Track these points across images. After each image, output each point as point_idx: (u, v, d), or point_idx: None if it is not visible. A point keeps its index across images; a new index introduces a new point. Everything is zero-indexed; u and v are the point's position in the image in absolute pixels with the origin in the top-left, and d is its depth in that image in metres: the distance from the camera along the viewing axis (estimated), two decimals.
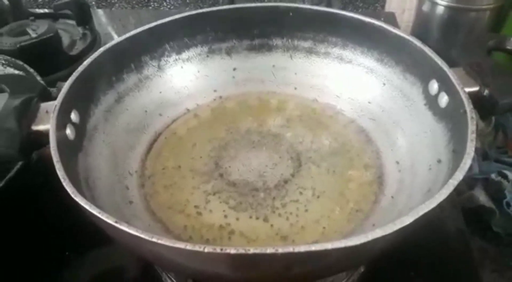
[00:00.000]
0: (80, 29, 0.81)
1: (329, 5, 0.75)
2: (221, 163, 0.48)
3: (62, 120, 0.40)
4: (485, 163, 0.69)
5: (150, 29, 0.51)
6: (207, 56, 0.56)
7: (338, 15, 0.52)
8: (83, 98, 0.45)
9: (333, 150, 0.49)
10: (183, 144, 0.50)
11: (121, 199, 0.43)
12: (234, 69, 0.57)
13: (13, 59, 0.62)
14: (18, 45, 0.68)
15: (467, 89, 0.41)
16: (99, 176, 0.42)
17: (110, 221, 0.30)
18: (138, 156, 0.48)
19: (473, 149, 0.35)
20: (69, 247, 0.48)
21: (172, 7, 0.93)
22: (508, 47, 0.46)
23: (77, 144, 0.42)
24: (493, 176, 0.64)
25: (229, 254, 0.28)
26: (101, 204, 0.39)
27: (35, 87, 0.42)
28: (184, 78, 0.55)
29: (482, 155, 0.70)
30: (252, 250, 0.27)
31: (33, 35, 0.71)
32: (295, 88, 0.56)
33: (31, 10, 0.85)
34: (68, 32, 0.80)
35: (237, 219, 0.42)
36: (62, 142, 0.39)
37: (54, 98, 0.42)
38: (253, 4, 0.55)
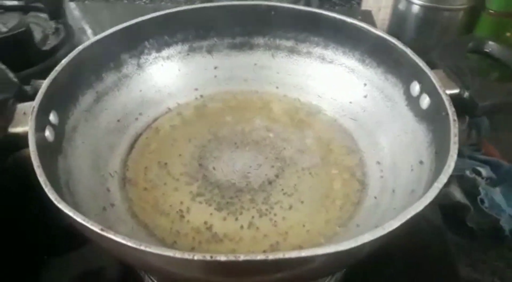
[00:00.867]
0: (52, 23, 0.78)
1: (307, 3, 0.75)
2: (204, 164, 0.47)
3: (41, 122, 0.39)
4: (460, 160, 0.70)
5: (129, 26, 0.50)
6: (188, 54, 0.55)
7: (320, 15, 0.52)
8: (62, 98, 0.43)
9: (316, 150, 0.49)
10: (165, 144, 0.50)
11: (103, 201, 0.42)
12: (216, 67, 0.56)
13: None
14: None
15: (448, 91, 0.42)
16: (79, 179, 0.41)
17: (95, 228, 0.29)
18: (118, 157, 0.47)
19: (456, 151, 0.36)
20: (47, 250, 0.46)
21: (148, 2, 0.91)
22: (486, 50, 0.48)
23: (57, 146, 0.41)
24: (467, 172, 0.66)
25: (219, 262, 0.27)
26: (83, 209, 0.38)
27: (10, 87, 0.41)
28: (164, 77, 0.54)
29: (458, 151, 0.71)
30: (242, 257, 0.27)
31: (3, 29, 0.69)
32: (277, 88, 0.56)
33: (0, 2, 0.81)
34: (40, 26, 0.77)
35: (222, 221, 0.42)
36: (42, 144, 0.37)
37: (30, 97, 0.40)
38: (234, 2, 0.54)
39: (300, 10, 0.53)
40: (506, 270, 0.55)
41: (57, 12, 0.77)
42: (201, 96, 0.55)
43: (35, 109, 0.38)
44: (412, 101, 0.46)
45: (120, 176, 0.45)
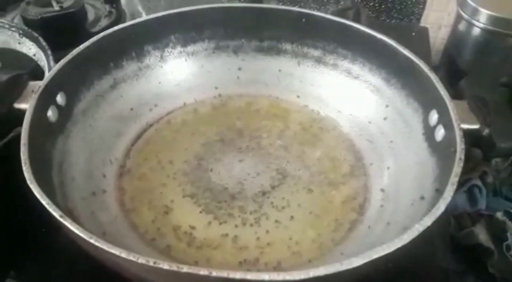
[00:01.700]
0: (107, 7, 0.81)
1: (357, 13, 0.72)
2: (204, 164, 0.47)
3: (45, 101, 0.40)
4: (494, 199, 0.65)
5: (157, 18, 0.51)
6: (213, 52, 0.55)
7: (351, 28, 0.50)
8: (75, 81, 0.45)
9: (321, 168, 0.47)
10: (172, 139, 0.50)
11: (94, 186, 0.42)
12: (239, 68, 0.55)
13: (29, 30, 0.63)
14: (39, 16, 0.69)
15: (466, 126, 0.38)
16: (76, 161, 0.42)
17: (56, 214, 0.30)
18: (123, 145, 0.48)
19: (452, 193, 0.33)
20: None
21: None
22: None
23: (59, 126, 0.42)
24: (499, 214, 0.61)
25: (162, 269, 0.27)
26: (70, 190, 0.39)
27: (28, 64, 0.42)
28: (186, 72, 0.54)
29: (493, 190, 0.66)
30: (185, 269, 0.27)
31: (57, 8, 0.72)
32: (298, 96, 0.54)
33: None
34: (94, 8, 0.81)
35: (205, 225, 0.41)
36: (41, 122, 0.39)
37: None
38: (266, 5, 0.53)
39: (331, 20, 0.51)
40: None
41: None
42: (220, 95, 0.54)
43: (41, 88, 0.39)
44: (428, 131, 0.43)
45: (119, 164, 0.46)
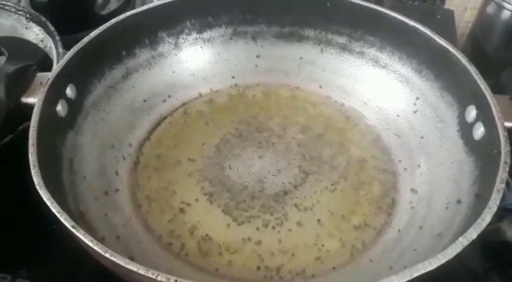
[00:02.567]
0: None
1: None
2: (222, 160, 0.44)
3: (54, 94, 0.37)
4: None
5: (172, 2, 0.47)
6: (231, 38, 0.51)
7: (380, 13, 0.46)
8: (85, 72, 0.42)
9: (347, 165, 0.44)
10: (188, 132, 0.47)
11: (107, 185, 0.40)
12: (258, 56, 0.52)
13: (37, 14, 0.60)
14: None
15: (508, 124, 0.35)
16: (87, 158, 0.40)
17: (67, 224, 0.27)
18: (136, 139, 0.45)
19: (498, 202, 0.30)
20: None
21: None
22: None
23: (69, 121, 0.39)
24: None
25: None
26: (81, 191, 0.37)
27: (35, 54, 0.40)
28: (201, 60, 0.51)
29: None
30: None
31: None
32: (320, 86, 0.51)
33: None
34: None
35: (224, 227, 0.39)
36: (50, 118, 0.36)
37: None
38: None
39: (358, 5, 0.47)
40: None
41: None
42: (237, 85, 0.51)
43: (49, 81, 0.37)
44: (465, 128, 0.39)
45: (132, 160, 0.44)
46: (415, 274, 0.26)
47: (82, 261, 0.40)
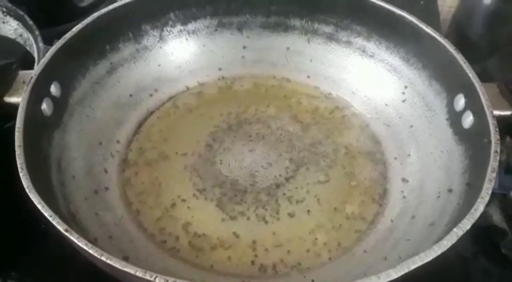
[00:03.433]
0: None
1: None
2: (213, 155, 0.44)
3: (38, 94, 0.36)
4: (507, 177, 0.63)
5: None
6: (216, 29, 0.51)
7: (366, 2, 0.46)
8: (68, 68, 0.41)
9: (337, 156, 0.44)
10: (177, 126, 0.46)
11: (96, 183, 0.39)
12: (244, 47, 0.51)
13: (14, 7, 0.58)
14: None
15: (497, 112, 0.36)
16: (75, 157, 0.39)
17: (61, 228, 0.27)
18: (124, 135, 0.45)
19: (489, 191, 0.30)
20: None
21: None
22: None
23: (55, 119, 0.38)
24: None
25: None
26: (71, 191, 0.36)
27: (16, 51, 0.38)
28: (187, 52, 0.50)
29: (505, 168, 0.64)
30: None
31: None
32: (308, 77, 0.51)
33: None
34: None
35: (218, 222, 0.39)
36: (35, 118, 0.35)
37: None
38: None
39: None
40: None
41: None
42: (224, 77, 0.51)
43: (33, 80, 0.36)
44: (454, 117, 0.40)
45: (121, 157, 0.43)
46: (412, 267, 0.26)
47: (73, 260, 0.39)
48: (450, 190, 0.36)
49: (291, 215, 0.39)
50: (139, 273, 0.25)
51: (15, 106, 0.36)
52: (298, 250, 0.37)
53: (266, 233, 0.38)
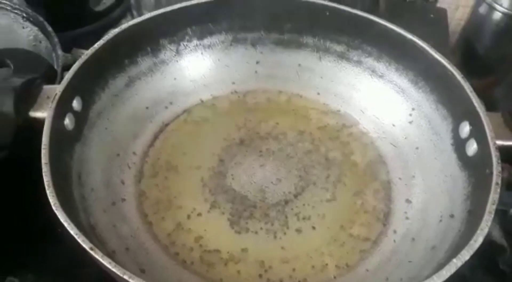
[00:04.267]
0: None
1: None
2: (225, 170, 0.45)
3: (62, 109, 0.38)
4: (508, 194, 0.65)
5: (172, 11, 0.48)
6: (231, 45, 0.52)
7: (378, 24, 0.47)
8: (90, 83, 0.42)
9: (344, 174, 0.46)
10: (190, 139, 0.48)
11: (113, 195, 0.41)
12: (257, 62, 0.53)
13: (34, 13, 0.60)
14: None
15: (500, 142, 0.37)
16: (94, 169, 0.41)
17: (85, 245, 0.29)
18: (140, 147, 0.46)
19: (489, 223, 0.32)
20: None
21: None
22: None
23: (76, 133, 0.40)
24: None
25: None
26: (90, 203, 0.38)
27: (40, 66, 0.40)
28: (202, 66, 0.52)
29: (506, 184, 0.66)
30: None
31: None
32: (318, 94, 0.52)
33: None
34: None
35: (228, 237, 0.40)
36: (59, 134, 0.37)
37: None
38: None
39: (356, 15, 0.48)
40: None
41: None
42: (237, 91, 0.52)
43: (57, 96, 0.37)
44: (459, 143, 0.41)
45: (137, 168, 0.45)
46: None
47: (86, 263, 0.42)
48: (452, 216, 0.38)
49: (298, 232, 0.41)
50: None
51: (39, 121, 0.38)
52: (304, 267, 0.39)
53: (274, 249, 0.40)
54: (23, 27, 0.59)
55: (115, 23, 0.71)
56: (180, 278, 0.37)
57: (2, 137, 0.35)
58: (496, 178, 0.34)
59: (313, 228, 0.42)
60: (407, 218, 0.42)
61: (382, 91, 0.49)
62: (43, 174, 0.32)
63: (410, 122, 0.47)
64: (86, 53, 0.41)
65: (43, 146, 0.34)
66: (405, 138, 0.47)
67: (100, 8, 0.72)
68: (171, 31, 0.49)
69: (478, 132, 0.38)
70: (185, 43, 0.50)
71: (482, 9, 0.77)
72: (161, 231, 0.41)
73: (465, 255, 0.30)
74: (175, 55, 0.50)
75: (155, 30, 0.48)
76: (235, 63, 0.52)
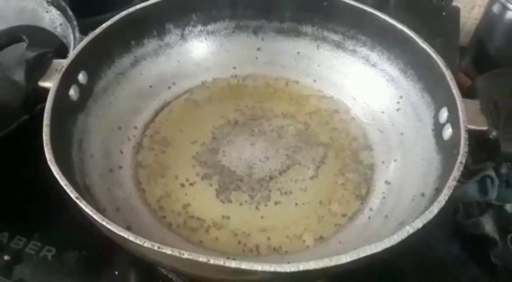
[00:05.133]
0: None
1: None
2: (217, 146, 0.49)
3: (68, 80, 0.42)
4: (506, 190, 0.65)
5: None
6: (233, 31, 0.55)
7: (372, 15, 0.49)
8: (96, 60, 0.46)
9: (330, 155, 0.48)
10: (189, 117, 0.52)
11: (111, 163, 0.45)
12: (258, 49, 0.56)
13: None
14: None
15: (473, 127, 0.39)
16: (95, 139, 0.45)
17: (72, 195, 0.32)
18: (141, 122, 0.50)
19: (447, 197, 0.33)
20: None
21: None
22: None
23: (80, 104, 0.44)
24: (508, 206, 0.62)
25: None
26: (88, 167, 0.42)
27: (53, 42, 0.44)
28: (205, 51, 0.55)
29: (506, 181, 0.66)
30: (185, 255, 0.29)
31: None
32: (315, 81, 0.55)
33: None
34: None
35: (213, 206, 0.44)
36: (63, 102, 0.41)
37: None
38: None
39: (352, 6, 0.50)
40: None
41: None
42: (236, 76, 0.55)
43: (64, 68, 0.41)
44: (438, 128, 0.43)
45: (136, 141, 0.48)
46: (362, 255, 0.30)
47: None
48: (423, 195, 0.39)
49: (279, 204, 0.44)
50: (139, 241, 0.30)
51: (47, 90, 0.42)
52: (280, 236, 0.42)
53: (254, 219, 0.43)
54: (47, 11, 0.64)
55: None
56: (164, 238, 0.40)
57: (13, 101, 0.39)
58: (461, 157, 0.35)
59: (294, 203, 0.44)
60: (384, 198, 0.44)
61: (374, 80, 0.51)
62: (43, 134, 0.36)
63: (398, 109, 0.49)
64: (94, 32, 0.45)
65: (46, 110, 0.38)
66: (392, 124, 0.49)
67: None
68: (177, 17, 0.53)
69: (454, 117, 0.40)
70: (189, 28, 0.54)
71: (496, 9, 0.77)
72: (152, 197, 0.44)
73: (418, 223, 0.32)
74: (180, 39, 0.54)
75: (162, 15, 0.51)
76: (236, 49, 0.56)
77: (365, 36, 0.52)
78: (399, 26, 0.48)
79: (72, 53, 0.43)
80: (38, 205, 0.50)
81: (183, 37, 0.54)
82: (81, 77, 0.44)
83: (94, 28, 0.65)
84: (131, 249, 0.33)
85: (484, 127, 0.40)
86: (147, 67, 0.52)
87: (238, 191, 0.45)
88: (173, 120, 0.51)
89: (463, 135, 0.37)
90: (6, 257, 0.46)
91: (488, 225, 0.60)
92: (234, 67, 0.56)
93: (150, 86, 0.52)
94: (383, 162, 0.47)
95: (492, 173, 0.64)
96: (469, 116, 0.39)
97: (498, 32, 0.78)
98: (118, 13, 0.73)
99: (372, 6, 0.50)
